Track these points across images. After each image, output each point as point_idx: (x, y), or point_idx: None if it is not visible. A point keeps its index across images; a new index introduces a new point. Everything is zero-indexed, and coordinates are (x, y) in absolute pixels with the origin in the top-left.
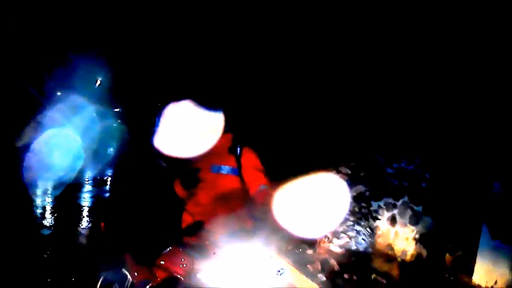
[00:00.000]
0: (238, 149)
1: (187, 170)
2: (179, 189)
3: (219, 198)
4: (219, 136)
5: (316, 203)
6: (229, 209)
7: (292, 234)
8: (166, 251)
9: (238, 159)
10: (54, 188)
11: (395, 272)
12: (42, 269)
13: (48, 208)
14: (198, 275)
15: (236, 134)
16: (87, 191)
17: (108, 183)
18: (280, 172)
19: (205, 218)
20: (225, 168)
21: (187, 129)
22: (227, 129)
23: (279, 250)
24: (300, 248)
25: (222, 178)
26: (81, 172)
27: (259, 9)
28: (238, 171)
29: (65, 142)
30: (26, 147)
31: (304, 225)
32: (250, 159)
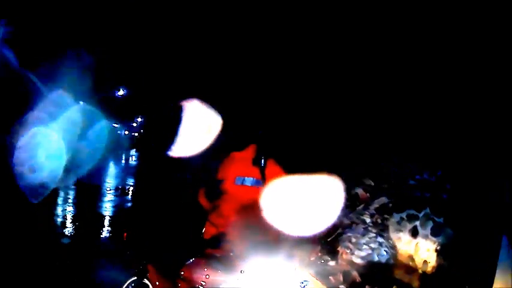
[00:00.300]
0: (263, 160)
1: (211, 181)
2: (203, 201)
3: (243, 210)
4: (244, 146)
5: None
6: (253, 221)
7: (314, 246)
8: (189, 262)
9: (262, 170)
10: (38, 192)
11: (416, 283)
12: (61, 277)
13: (69, 217)
14: (221, 287)
15: (260, 145)
16: (109, 201)
17: (130, 192)
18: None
19: (229, 229)
20: (249, 180)
21: (206, 129)
22: (251, 140)
23: (302, 262)
24: (322, 260)
25: (246, 190)
26: (67, 175)
27: (275, 16)
28: (262, 183)
29: (47, 142)
30: (13, 146)
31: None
32: (274, 172)
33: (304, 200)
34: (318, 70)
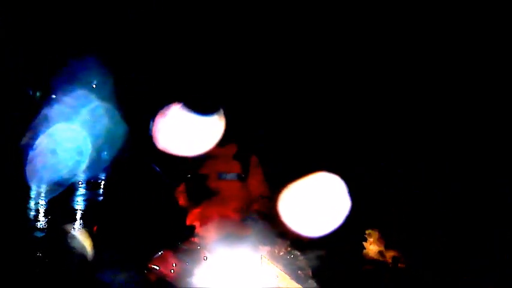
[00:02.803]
0: (245, 155)
1: (194, 177)
2: (181, 197)
3: (216, 203)
4: (220, 141)
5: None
6: (223, 214)
7: (283, 240)
8: (158, 254)
9: (244, 165)
10: (52, 188)
11: (386, 278)
12: (34, 270)
13: (42, 210)
14: (189, 279)
15: (241, 141)
16: (81, 194)
17: (102, 186)
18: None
19: (199, 222)
20: (230, 175)
21: (189, 129)
22: (231, 138)
23: (270, 256)
24: (291, 254)
25: (225, 183)
26: (76, 177)
27: (266, 13)
28: (242, 177)
29: (71, 138)
30: (30, 145)
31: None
32: (255, 168)
33: (305, 200)
34: (318, 69)
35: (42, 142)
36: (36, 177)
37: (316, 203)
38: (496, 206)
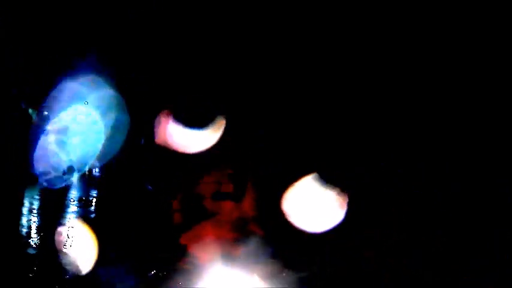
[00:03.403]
0: (240, 176)
1: (189, 197)
2: (178, 218)
3: (211, 223)
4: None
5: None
6: (218, 234)
7: (275, 260)
8: (150, 274)
9: (238, 185)
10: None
11: (386, 278)
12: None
13: (34, 226)
14: None
15: (237, 160)
16: (72, 212)
17: (93, 204)
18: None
19: (193, 241)
20: (225, 195)
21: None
22: (227, 155)
23: (263, 275)
24: (283, 272)
25: (220, 204)
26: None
27: (267, 13)
28: (236, 197)
29: (86, 121)
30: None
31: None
32: (250, 190)
33: (305, 200)
34: (318, 69)
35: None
36: (44, 165)
37: (316, 203)
38: (496, 206)
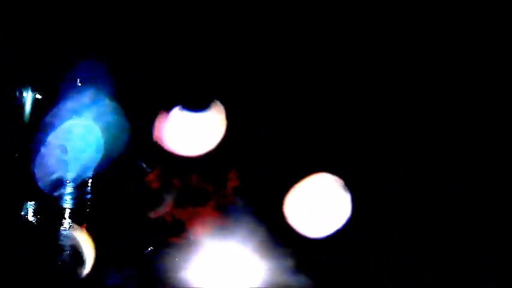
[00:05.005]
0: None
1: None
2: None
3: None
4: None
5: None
6: (211, 209)
7: (270, 235)
8: (147, 251)
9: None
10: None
11: (386, 278)
12: (26, 270)
13: (31, 210)
14: (179, 275)
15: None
16: (68, 193)
17: (89, 184)
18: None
19: (186, 217)
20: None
21: (190, 128)
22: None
23: (258, 250)
24: (278, 248)
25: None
26: (63, 177)
27: (267, 13)
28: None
29: (83, 133)
30: (40, 143)
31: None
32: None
33: (305, 200)
34: (318, 69)
35: (52, 140)
36: (45, 175)
37: (316, 203)
38: (496, 206)
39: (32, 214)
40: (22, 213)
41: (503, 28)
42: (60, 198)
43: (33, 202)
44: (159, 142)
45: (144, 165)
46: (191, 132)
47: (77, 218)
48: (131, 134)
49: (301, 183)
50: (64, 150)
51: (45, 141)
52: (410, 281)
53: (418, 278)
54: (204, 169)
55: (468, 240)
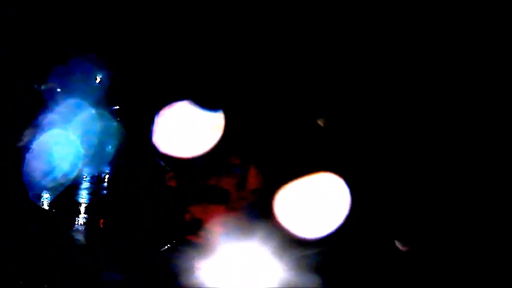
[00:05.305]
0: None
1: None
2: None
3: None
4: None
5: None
6: (230, 208)
7: (290, 234)
8: (164, 248)
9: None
10: (53, 189)
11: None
12: (40, 266)
13: (46, 205)
14: (196, 274)
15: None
16: (85, 188)
17: (106, 180)
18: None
19: (205, 215)
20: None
21: (188, 128)
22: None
23: (278, 250)
24: (298, 248)
25: (228, 177)
26: (80, 172)
27: (267, 13)
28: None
29: (64, 144)
30: (26, 149)
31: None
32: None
33: (305, 200)
34: (318, 69)
35: (41, 141)
36: (38, 177)
37: (316, 203)
38: (496, 206)
39: (48, 207)
40: (38, 204)
41: (503, 28)
42: (76, 193)
43: (48, 195)
44: (160, 143)
45: (163, 163)
46: (191, 132)
47: (93, 214)
48: (148, 132)
49: (300, 183)
50: (81, 145)
51: (59, 135)
52: (411, 281)
53: (419, 278)
54: (224, 169)
55: (468, 240)
